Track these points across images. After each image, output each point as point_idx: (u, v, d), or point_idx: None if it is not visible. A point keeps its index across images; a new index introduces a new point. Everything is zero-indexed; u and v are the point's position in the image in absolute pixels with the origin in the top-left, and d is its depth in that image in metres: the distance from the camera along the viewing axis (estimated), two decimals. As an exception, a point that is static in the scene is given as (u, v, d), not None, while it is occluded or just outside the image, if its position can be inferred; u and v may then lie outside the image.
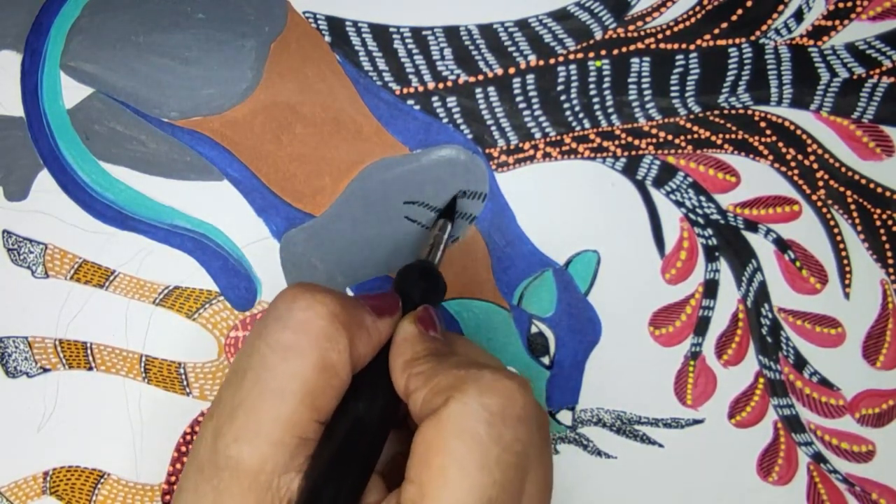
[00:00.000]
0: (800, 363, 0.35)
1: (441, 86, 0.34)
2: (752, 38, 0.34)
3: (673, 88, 0.34)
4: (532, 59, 0.34)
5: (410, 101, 0.34)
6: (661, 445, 0.35)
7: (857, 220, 0.34)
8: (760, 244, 0.35)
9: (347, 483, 0.23)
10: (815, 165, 0.34)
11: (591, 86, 0.34)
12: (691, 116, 0.34)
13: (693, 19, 0.34)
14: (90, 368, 0.36)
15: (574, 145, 0.34)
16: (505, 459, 0.22)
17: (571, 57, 0.34)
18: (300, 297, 0.24)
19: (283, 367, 0.23)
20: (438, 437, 0.22)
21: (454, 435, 0.22)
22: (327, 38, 0.34)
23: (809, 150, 0.34)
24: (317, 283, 0.25)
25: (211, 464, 0.22)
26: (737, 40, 0.34)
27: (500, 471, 0.22)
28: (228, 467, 0.22)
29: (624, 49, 0.34)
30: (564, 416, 0.35)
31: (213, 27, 0.34)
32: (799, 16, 0.34)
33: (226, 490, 0.22)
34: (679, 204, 0.34)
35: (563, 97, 0.34)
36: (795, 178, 0.34)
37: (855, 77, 0.34)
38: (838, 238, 0.34)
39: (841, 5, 0.34)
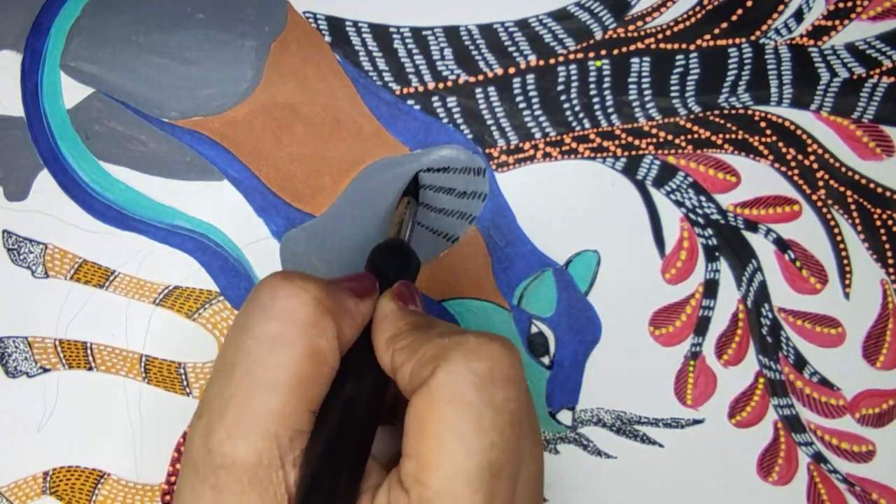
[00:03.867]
0: (800, 363, 0.35)
1: (441, 86, 0.34)
2: (752, 38, 0.34)
3: (673, 88, 0.34)
4: (532, 59, 0.34)
5: (410, 101, 0.34)
6: (661, 445, 0.35)
7: (857, 220, 0.34)
8: (760, 244, 0.35)
9: (345, 468, 0.23)
10: (816, 165, 0.34)
11: (591, 86, 0.34)
12: (691, 116, 0.34)
13: (693, 19, 0.34)
14: (90, 368, 0.36)
15: (574, 145, 0.34)
16: (500, 421, 0.21)
17: (571, 57, 0.34)
18: (282, 285, 0.23)
19: (271, 359, 0.22)
20: (430, 408, 0.21)
21: (446, 403, 0.21)
22: (327, 38, 0.34)
23: (809, 150, 0.34)
24: (294, 270, 0.24)
25: (206, 463, 0.22)
26: (737, 40, 0.34)
27: (496, 433, 0.21)
28: (224, 465, 0.22)
29: (624, 49, 0.34)
30: (564, 416, 0.35)
31: (213, 27, 0.34)
32: (799, 16, 0.34)
33: (224, 488, 0.22)
34: (679, 204, 0.34)
35: (563, 97, 0.34)
36: (795, 178, 0.34)
37: (855, 77, 0.34)
38: (838, 238, 0.34)
39: (841, 5, 0.34)
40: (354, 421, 0.24)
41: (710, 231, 0.34)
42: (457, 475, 0.21)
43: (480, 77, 0.34)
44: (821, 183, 0.34)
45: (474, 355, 0.22)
